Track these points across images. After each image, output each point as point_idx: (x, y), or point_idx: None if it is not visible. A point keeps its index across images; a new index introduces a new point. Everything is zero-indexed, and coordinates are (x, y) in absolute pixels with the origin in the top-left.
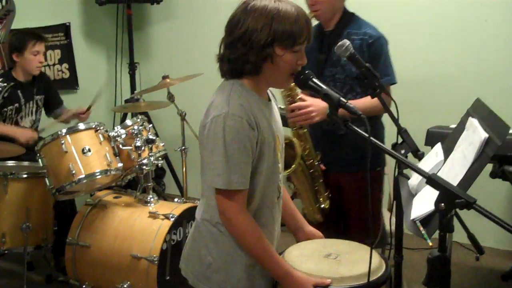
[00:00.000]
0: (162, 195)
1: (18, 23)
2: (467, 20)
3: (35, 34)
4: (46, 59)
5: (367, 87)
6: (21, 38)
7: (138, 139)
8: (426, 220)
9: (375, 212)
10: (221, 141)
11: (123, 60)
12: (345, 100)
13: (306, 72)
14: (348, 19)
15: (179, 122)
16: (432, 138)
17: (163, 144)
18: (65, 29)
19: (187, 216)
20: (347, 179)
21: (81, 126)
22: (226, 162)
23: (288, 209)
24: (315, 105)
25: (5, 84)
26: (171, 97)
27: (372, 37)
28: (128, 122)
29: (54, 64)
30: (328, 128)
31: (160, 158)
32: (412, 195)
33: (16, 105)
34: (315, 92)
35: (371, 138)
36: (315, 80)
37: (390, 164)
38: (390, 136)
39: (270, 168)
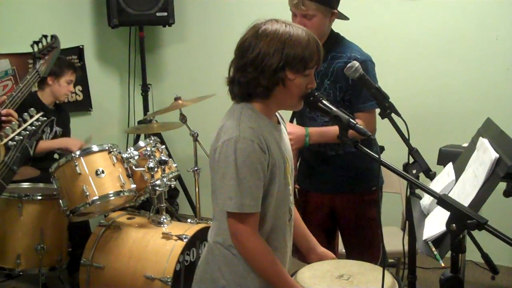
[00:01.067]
0: (175, 216)
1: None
2: (478, 38)
3: (73, 65)
4: None
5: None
6: (61, 65)
7: (151, 160)
8: (438, 241)
9: (374, 233)
10: (232, 165)
11: (136, 82)
12: (354, 122)
13: (316, 94)
14: (333, 42)
15: (191, 142)
16: (444, 157)
17: (175, 165)
18: (78, 52)
19: (200, 237)
20: (341, 200)
21: (95, 148)
22: (237, 186)
23: (300, 230)
24: (293, 133)
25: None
26: (183, 118)
27: (357, 60)
28: (141, 143)
29: None
30: (320, 149)
31: (173, 179)
32: (424, 215)
33: None
34: (324, 114)
35: (381, 159)
36: (324, 102)
37: (403, 183)
38: (402, 156)
39: (281, 190)
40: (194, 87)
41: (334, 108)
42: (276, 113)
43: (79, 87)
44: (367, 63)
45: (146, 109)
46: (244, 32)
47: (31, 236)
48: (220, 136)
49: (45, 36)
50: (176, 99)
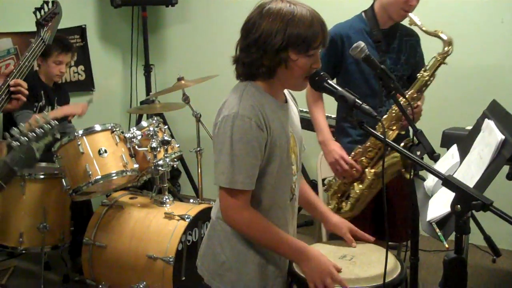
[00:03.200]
0: (178, 196)
1: (34, 26)
2: (482, 21)
3: (62, 45)
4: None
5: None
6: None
7: (153, 140)
8: (442, 222)
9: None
10: (228, 141)
11: (138, 62)
12: (360, 102)
13: (321, 73)
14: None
15: (194, 123)
16: (447, 139)
17: (178, 145)
18: (81, 31)
19: (202, 217)
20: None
21: (98, 127)
22: (231, 162)
23: (309, 201)
24: None
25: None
26: (186, 99)
27: (418, 37)
28: (144, 123)
29: (70, 66)
30: None
31: (175, 159)
32: (428, 197)
33: (40, 103)
34: (330, 94)
35: (387, 140)
36: (330, 82)
37: None
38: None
39: (282, 169)
40: (197, 67)
41: (339, 88)
42: (287, 93)
43: (81, 67)
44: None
45: (148, 89)
46: (251, 11)
47: (33, 215)
48: (221, 111)
49: (47, 2)
50: (179, 79)
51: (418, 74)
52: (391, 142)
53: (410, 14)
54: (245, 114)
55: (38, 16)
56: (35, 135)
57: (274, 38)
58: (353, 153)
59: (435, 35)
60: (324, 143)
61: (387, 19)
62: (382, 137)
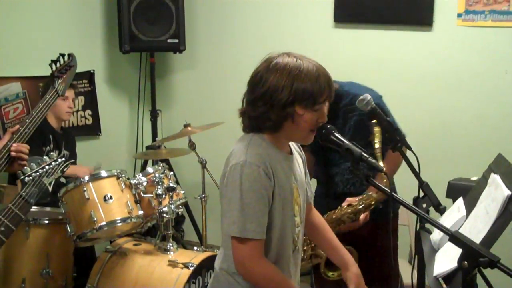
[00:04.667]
0: (182, 242)
1: (45, 70)
2: (487, 71)
3: None
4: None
5: (389, 141)
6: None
7: (159, 187)
8: (449, 277)
9: (395, 263)
10: (238, 189)
11: (145, 107)
12: (367, 155)
13: (328, 126)
14: (340, 94)
15: (199, 169)
16: (453, 190)
17: (183, 192)
18: (89, 76)
19: (206, 265)
20: (361, 231)
21: (104, 173)
22: (241, 210)
23: (332, 246)
24: None
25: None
26: (192, 145)
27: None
28: (150, 169)
29: (77, 111)
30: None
31: (180, 206)
32: (434, 250)
33: (48, 148)
34: (336, 147)
35: (393, 194)
36: (337, 135)
37: (410, 216)
38: (411, 189)
39: (286, 221)
40: (203, 114)
41: (346, 141)
42: (292, 144)
43: (88, 111)
44: (379, 100)
45: (154, 134)
46: (258, 64)
47: (36, 260)
48: (229, 161)
49: (63, 55)
50: (186, 125)
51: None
52: (397, 196)
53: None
54: (253, 162)
55: (54, 68)
56: (45, 171)
57: (280, 93)
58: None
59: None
60: None
61: None
62: (388, 191)
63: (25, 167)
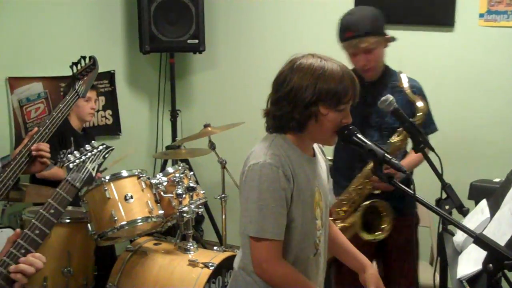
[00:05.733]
0: (201, 242)
1: (66, 71)
2: (509, 72)
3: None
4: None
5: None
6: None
7: (179, 186)
8: (473, 280)
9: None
10: (256, 189)
11: (165, 108)
12: (389, 156)
13: (350, 127)
14: (390, 72)
15: (218, 169)
16: (475, 192)
17: (203, 191)
18: (110, 76)
19: (226, 265)
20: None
21: (124, 173)
22: (259, 210)
23: (347, 251)
24: None
25: (105, 146)
26: (212, 145)
27: (416, 89)
28: (170, 169)
29: (98, 111)
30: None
31: (200, 206)
32: (457, 253)
33: (69, 150)
34: (359, 148)
35: (417, 196)
36: (359, 135)
37: (432, 217)
38: (434, 191)
39: (305, 223)
40: (223, 114)
41: (368, 142)
42: (316, 146)
43: (109, 111)
44: (423, 91)
45: (174, 134)
46: (283, 65)
47: (58, 259)
48: (248, 160)
49: (84, 57)
50: (206, 126)
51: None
52: (421, 198)
53: (401, 74)
54: (272, 163)
55: (75, 70)
56: (87, 157)
57: (304, 92)
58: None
59: (413, 101)
60: None
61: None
62: (412, 192)
63: (69, 155)
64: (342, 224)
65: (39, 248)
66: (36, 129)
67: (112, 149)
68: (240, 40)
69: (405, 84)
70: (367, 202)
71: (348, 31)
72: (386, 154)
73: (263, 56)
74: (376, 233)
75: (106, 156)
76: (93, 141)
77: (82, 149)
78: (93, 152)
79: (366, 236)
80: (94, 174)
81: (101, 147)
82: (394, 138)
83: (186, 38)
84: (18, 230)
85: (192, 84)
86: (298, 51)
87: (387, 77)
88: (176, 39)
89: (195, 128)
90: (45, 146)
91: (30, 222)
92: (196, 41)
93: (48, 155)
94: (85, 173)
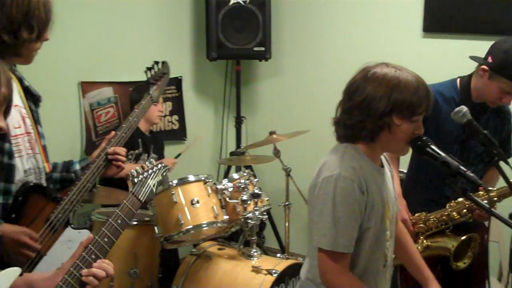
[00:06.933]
0: (262, 248)
1: (135, 76)
2: None
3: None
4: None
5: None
6: (140, 90)
7: (244, 193)
8: None
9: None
10: (330, 202)
11: (230, 114)
12: (464, 169)
13: (424, 138)
14: None
15: (281, 177)
16: None
17: (267, 198)
18: (177, 82)
19: (289, 273)
20: None
21: (191, 178)
22: (333, 224)
23: (414, 263)
24: None
25: (163, 164)
26: (277, 153)
27: (510, 114)
28: (235, 175)
29: (165, 116)
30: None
31: (264, 213)
32: None
33: (137, 151)
34: (432, 159)
35: (492, 210)
36: (433, 147)
37: (502, 232)
38: (507, 205)
39: (376, 234)
40: (288, 122)
41: (442, 154)
42: (382, 156)
43: (175, 117)
44: None
45: (238, 141)
46: (354, 74)
47: (125, 260)
48: (321, 172)
49: (157, 63)
50: (271, 133)
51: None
52: (496, 213)
53: None
54: (347, 176)
55: (149, 75)
56: (149, 173)
57: (378, 103)
58: (416, 215)
59: None
60: None
61: (481, 99)
62: (487, 206)
63: (133, 170)
64: (427, 243)
65: None
66: (113, 133)
67: (168, 168)
68: (306, 48)
69: None
70: (464, 237)
71: None
72: (461, 167)
73: (329, 65)
74: (464, 261)
75: (164, 174)
76: (152, 159)
77: (143, 165)
78: (153, 170)
79: (459, 264)
80: (154, 190)
81: (160, 165)
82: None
83: (253, 45)
84: (91, 235)
85: (257, 91)
86: (364, 60)
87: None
88: (242, 46)
89: (259, 135)
90: (122, 150)
91: (100, 230)
92: (262, 48)
93: (124, 159)
94: (147, 188)
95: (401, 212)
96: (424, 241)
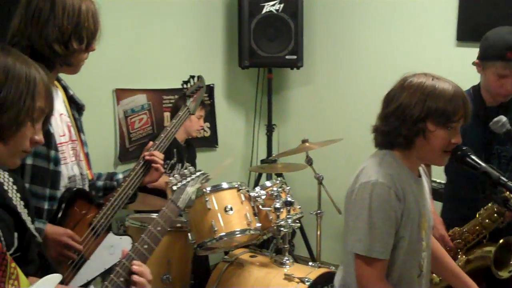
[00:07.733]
0: (293, 255)
1: (169, 84)
2: None
3: (202, 101)
4: None
5: None
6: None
7: (277, 200)
8: None
9: None
10: (366, 208)
11: (261, 122)
12: (505, 179)
13: (464, 148)
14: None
15: (313, 185)
16: None
17: (299, 207)
18: (209, 90)
19: (321, 281)
20: None
21: (225, 185)
22: (369, 229)
23: (454, 274)
24: None
25: (202, 172)
26: (309, 161)
27: None
28: (268, 183)
29: None
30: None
31: (297, 221)
32: None
33: (172, 161)
34: (472, 169)
35: None
36: (473, 157)
37: None
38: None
39: (412, 244)
40: (320, 130)
41: (483, 164)
42: (420, 168)
43: (207, 124)
44: None
45: (269, 148)
46: (394, 84)
47: (158, 265)
48: (358, 178)
49: (193, 77)
50: (304, 141)
51: None
52: None
53: None
54: (384, 182)
55: (185, 88)
56: (188, 181)
57: (413, 109)
58: (450, 231)
59: None
60: None
61: (493, 98)
62: None
63: (171, 178)
64: (466, 257)
65: None
66: (151, 143)
67: (208, 175)
68: (338, 56)
69: None
70: (501, 240)
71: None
72: (502, 177)
73: (361, 74)
74: (510, 270)
75: (203, 182)
76: (190, 167)
77: (182, 172)
78: (192, 177)
79: (502, 273)
80: (193, 197)
81: (198, 173)
82: None
83: (285, 54)
84: (125, 250)
85: (289, 99)
86: (396, 69)
87: (510, 101)
88: (274, 54)
89: (290, 143)
90: (159, 154)
91: (140, 237)
92: (295, 57)
93: (161, 162)
94: (186, 196)
95: (437, 229)
96: (464, 256)
